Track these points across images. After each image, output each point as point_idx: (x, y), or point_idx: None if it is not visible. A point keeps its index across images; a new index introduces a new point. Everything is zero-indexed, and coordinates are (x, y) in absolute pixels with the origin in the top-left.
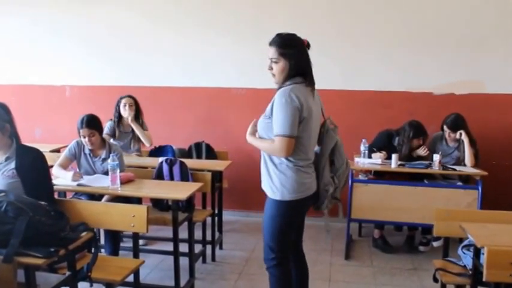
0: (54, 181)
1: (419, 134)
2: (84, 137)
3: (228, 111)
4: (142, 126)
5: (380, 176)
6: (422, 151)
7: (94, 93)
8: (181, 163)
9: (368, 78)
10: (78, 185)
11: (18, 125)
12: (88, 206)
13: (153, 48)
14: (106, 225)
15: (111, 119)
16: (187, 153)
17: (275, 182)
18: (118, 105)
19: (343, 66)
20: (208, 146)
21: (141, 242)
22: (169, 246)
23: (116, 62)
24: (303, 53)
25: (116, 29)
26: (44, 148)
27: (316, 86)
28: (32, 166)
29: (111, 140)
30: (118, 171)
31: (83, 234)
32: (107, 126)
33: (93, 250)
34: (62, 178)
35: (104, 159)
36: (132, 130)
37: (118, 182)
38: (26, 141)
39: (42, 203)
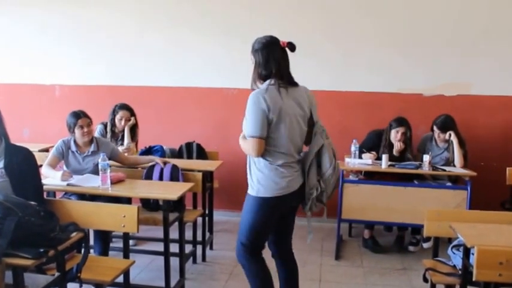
0: (43, 181)
1: (398, 124)
2: (82, 127)
3: (219, 112)
4: (133, 138)
5: (370, 177)
6: (398, 145)
7: (84, 92)
8: (173, 166)
9: (358, 79)
10: (68, 184)
11: (7, 124)
12: (78, 206)
13: (145, 47)
14: (96, 226)
15: (102, 123)
16: (178, 153)
17: (254, 179)
18: (114, 114)
19: (333, 67)
20: (199, 146)
21: (131, 242)
22: (159, 247)
23: (107, 61)
24: (274, 53)
25: (107, 28)
26: (33, 148)
27: (313, 88)
28: (21, 166)
29: None
30: (109, 171)
31: (73, 234)
32: (97, 130)
33: (83, 251)
34: (51, 178)
35: (93, 152)
36: (123, 135)
37: (108, 182)
38: (13, 141)
39: (32, 203)
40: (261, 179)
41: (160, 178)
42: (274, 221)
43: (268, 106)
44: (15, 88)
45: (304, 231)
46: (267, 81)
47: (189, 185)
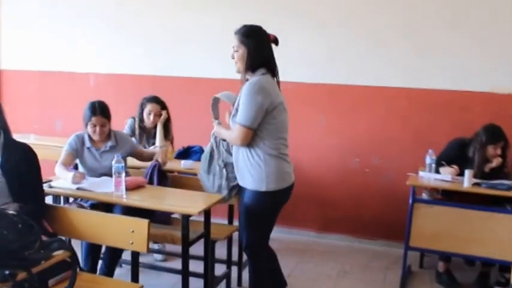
0: (53, 183)
1: (495, 140)
2: (95, 126)
3: None
4: (167, 135)
5: (449, 196)
6: (494, 161)
7: (120, 82)
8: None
9: (438, 75)
10: (78, 188)
11: (39, 116)
12: (82, 215)
13: (189, 34)
14: (101, 240)
15: (133, 117)
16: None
17: (260, 173)
18: (142, 108)
19: (404, 59)
20: None
21: (159, 257)
22: (196, 265)
23: (147, 49)
24: (264, 44)
25: (148, 14)
26: (64, 143)
27: (380, 84)
28: (19, 164)
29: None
30: (124, 175)
31: (58, 253)
32: (127, 125)
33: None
34: (63, 179)
35: (112, 148)
36: (155, 132)
37: (123, 187)
38: (46, 133)
39: (11, 212)
40: (268, 172)
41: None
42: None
43: (269, 94)
44: (48, 76)
45: (364, 257)
46: (260, 71)
47: (217, 197)
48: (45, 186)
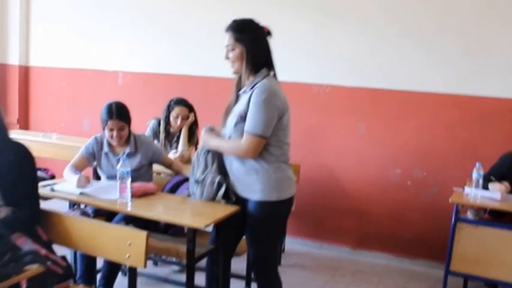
0: (57, 186)
1: None
2: (112, 130)
3: (306, 113)
4: (191, 139)
5: (498, 217)
6: None
7: (149, 81)
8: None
9: (495, 81)
10: (81, 193)
11: (66, 114)
12: (78, 223)
13: (222, 34)
14: (96, 252)
15: (156, 118)
16: None
17: (270, 182)
18: (168, 111)
19: (461, 63)
20: None
21: (176, 268)
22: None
23: (177, 48)
24: (261, 39)
25: (179, 12)
26: None
27: (425, 89)
28: (13, 165)
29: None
30: (129, 180)
31: (31, 267)
32: (149, 127)
33: None
34: (69, 183)
35: (130, 154)
36: (180, 136)
37: (128, 194)
38: (72, 133)
39: None
40: (277, 181)
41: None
42: None
43: (281, 103)
44: (76, 73)
45: (401, 277)
46: (262, 72)
47: (233, 209)
48: (47, 190)
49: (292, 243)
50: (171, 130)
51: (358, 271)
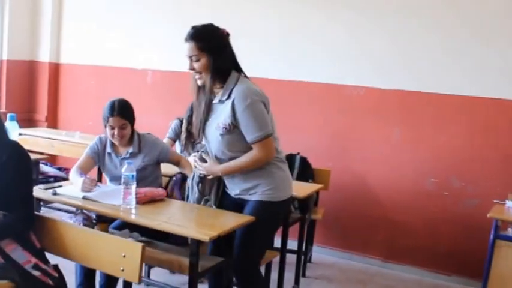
0: (60, 189)
1: None
2: (113, 128)
3: (337, 116)
4: None
5: None
6: None
7: (178, 79)
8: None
9: None
10: (83, 197)
11: (95, 112)
12: (72, 231)
13: (249, 32)
14: (91, 263)
15: (178, 118)
16: None
17: (273, 181)
18: (192, 111)
19: (503, 67)
20: (303, 160)
21: None
22: None
23: None
24: (225, 43)
25: (208, 9)
26: None
27: (465, 93)
28: (6, 166)
29: (176, 143)
30: (134, 186)
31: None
32: (171, 127)
33: None
34: (74, 186)
35: (133, 154)
36: None
37: (132, 200)
38: (100, 132)
39: None
40: (279, 180)
41: None
42: None
43: (264, 98)
44: (105, 71)
45: None
46: (234, 77)
47: (244, 218)
48: (49, 193)
49: (319, 253)
50: (193, 131)
51: (389, 286)
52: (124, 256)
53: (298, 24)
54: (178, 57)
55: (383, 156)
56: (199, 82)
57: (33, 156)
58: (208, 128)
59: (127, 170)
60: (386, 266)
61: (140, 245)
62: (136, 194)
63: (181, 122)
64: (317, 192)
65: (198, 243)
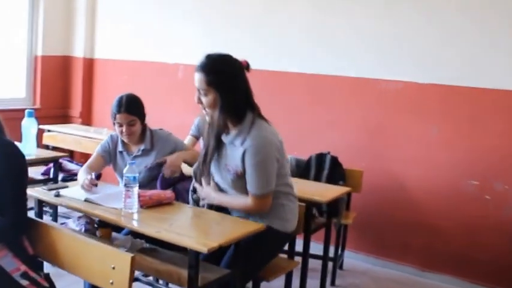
0: (64, 191)
1: None
2: (121, 126)
3: (372, 113)
4: None
5: None
6: None
7: None
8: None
9: None
10: (85, 200)
11: None
12: (64, 237)
13: (278, 25)
14: (81, 273)
15: (201, 115)
16: (305, 167)
17: (282, 212)
18: None
19: None
20: (334, 160)
21: None
22: None
23: (236, 39)
24: (239, 79)
25: (241, 2)
26: None
27: None
28: None
29: (200, 141)
30: (136, 188)
31: None
32: (194, 124)
33: None
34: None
35: (145, 152)
36: None
37: (134, 204)
38: None
39: None
40: (288, 211)
41: None
42: None
43: (277, 147)
44: (138, 66)
45: None
46: (248, 119)
47: (255, 226)
48: (51, 194)
49: (351, 259)
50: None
51: None
52: (113, 268)
53: (332, 16)
54: (208, 51)
55: (420, 156)
56: (207, 118)
57: (53, 154)
58: (215, 163)
59: (129, 170)
60: (423, 275)
61: (129, 256)
62: (140, 196)
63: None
64: (349, 195)
65: (197, 254)
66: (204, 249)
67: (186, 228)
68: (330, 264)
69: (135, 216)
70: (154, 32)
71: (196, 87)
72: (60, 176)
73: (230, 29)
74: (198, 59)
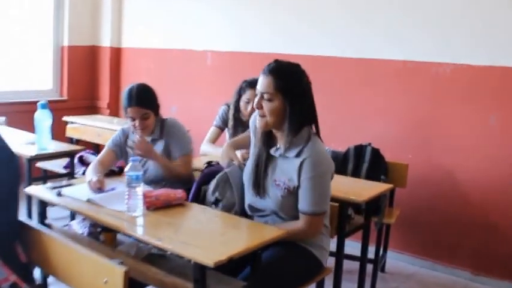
0: (66, 189)
1: None
2: (133, 120)
3: (420, 100)
4: None
5: None
6: None
7: (239, 61)
8: None
9: None
10: (88, 200)
11: None
12: (57, 245)
13: (316, 9)
14: (74, 284)
15: (226, 104)
16: (343, 160)
17: (320, 242)
18: (239, 94)
19: None
20: (375, 152)
21: None
22: None
23: (270, 24)
24: (308, 90)
25: None
26: None
27: None
28: None
29: (226, 131)
30: (140, 188)
31: None
32: (218, 114)
33: None
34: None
35: (154, 141)
36: None
37: (139, 206)
38: None
39: None
40: (325, 240)
41: None
42: None
43: (333, 166)
44: (165, 54)
45: None
46: (305, 132)
47: (275, 232)
48: (53, 193)
49: (395, 260)
50: (243, 119)
51: None
52: (105, 282)
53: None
54: (236, 37)
55: (475, 148)
56: (258, 124)
57: (70, 147)
58: (266, 180)
59: (131, 168)
60: (476, 279)
61: (123, 270)
62: (146, 197)
63: (229, 108)
64: (392, 191)
65: (203, 267)
66: (209, 263)
67: (194, 235)
68: (370, 267)
69: (138, 220)
70: (181, 19)
71: (259, 90)
72: (82, 169)
73: (260, 15)
74: (225, 45)
